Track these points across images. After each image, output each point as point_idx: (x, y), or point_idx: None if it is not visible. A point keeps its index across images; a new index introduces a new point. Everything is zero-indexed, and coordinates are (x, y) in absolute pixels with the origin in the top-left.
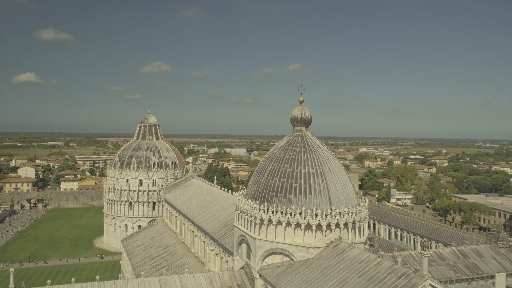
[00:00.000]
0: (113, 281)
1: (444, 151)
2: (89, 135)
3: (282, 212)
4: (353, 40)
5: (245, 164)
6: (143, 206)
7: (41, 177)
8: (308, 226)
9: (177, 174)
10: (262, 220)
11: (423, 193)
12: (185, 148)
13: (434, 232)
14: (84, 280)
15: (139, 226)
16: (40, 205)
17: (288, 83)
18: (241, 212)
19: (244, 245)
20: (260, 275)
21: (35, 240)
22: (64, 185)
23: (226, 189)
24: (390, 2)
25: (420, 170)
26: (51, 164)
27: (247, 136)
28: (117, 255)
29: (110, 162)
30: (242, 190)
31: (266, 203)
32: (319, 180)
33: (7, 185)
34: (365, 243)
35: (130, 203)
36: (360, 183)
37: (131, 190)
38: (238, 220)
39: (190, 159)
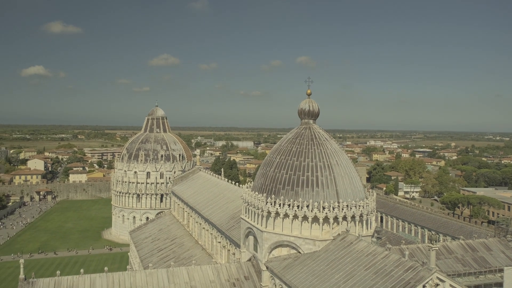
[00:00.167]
0: (121, 273)
1: (453, 144)
2: (97, 128)
3: (289, 205)
4: (361, 33)
5: (253, 156)
6: (151, 199)
7: (50, 169)
8: (315, 219)
9: (185, 166)
10: (269, 212)
11: (431, 186)
12: (192, 140)
13: (442, 225)
14: (93, 271)
15: (147, 218)
16: (49, 197)
17: (296, 76)
18: (248, 204)
19: (251, 238)
20: (267, 267)
21: (45, 232)
22: (72, 177)
23: (233, 182)
24: None
25: (429, 163)
26: (60, 157)
27: (255, 128)
28: (125, 246)
29: (118, 155)
30: (249, 183)
31: (273, 196)
32: (326, 173)
33: (17, 177)
34: (372, 236)
35: (138, 195)
36: (368, 176)
37: (139, 183)
38: (245, 213)
39: (197, 151)
